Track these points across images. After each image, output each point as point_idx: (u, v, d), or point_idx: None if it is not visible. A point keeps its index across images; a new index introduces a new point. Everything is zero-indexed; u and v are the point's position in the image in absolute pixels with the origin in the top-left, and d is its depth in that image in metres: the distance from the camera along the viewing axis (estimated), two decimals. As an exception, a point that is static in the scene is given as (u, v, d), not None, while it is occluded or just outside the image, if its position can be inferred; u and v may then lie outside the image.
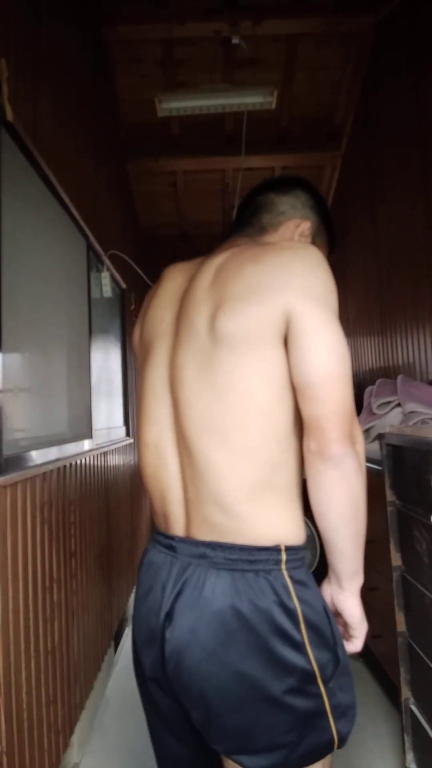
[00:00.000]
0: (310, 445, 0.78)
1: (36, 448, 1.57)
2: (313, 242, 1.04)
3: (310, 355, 0.77)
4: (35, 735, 1.44)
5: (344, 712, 0.83)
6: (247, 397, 0.80)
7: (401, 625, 1.62)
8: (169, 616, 0.82)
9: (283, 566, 0.81)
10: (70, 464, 1.89)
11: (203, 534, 0.84)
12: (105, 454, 2.49)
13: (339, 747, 0.83)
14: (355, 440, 0.77)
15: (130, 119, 3.55)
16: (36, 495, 1.52)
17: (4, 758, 1.24)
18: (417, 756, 1.56)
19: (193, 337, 0.85)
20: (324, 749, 0.82)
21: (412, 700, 1.59)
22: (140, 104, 3.37)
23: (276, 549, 0.81)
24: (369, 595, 2.22)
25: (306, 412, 0.78)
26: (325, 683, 0.80)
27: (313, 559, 2.68)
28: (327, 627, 0.82)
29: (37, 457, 1.56)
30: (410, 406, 2.22)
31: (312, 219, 1.04)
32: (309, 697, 0.79)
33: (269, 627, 0.77)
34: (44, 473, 1.60)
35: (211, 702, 0.79)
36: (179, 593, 0.82)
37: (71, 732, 1.77)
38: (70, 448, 1.91)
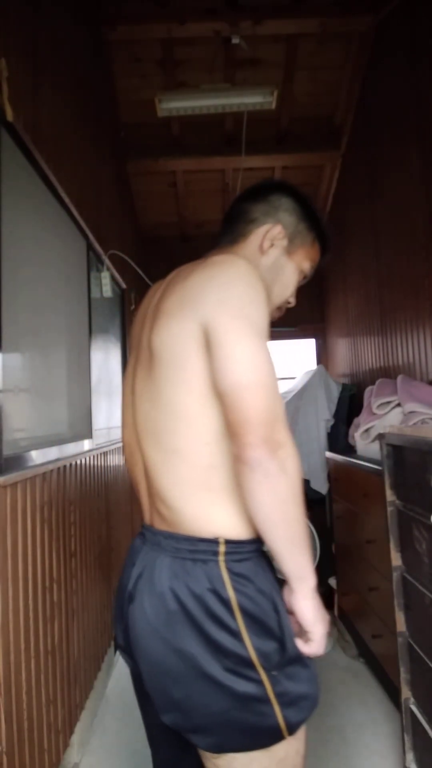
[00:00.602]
0: (232, 449, 0.83)
1: (36, 448, 1.57)
2: (290, 245, 1.05)
3: (224, 365, 0.82)
4: (35, 735, 1.44)
5: (294, 701, 0.87)
6: (173, 404, 0.88)
7: (401, 625, 1.62)
8: (131, 594, 0.92)
9: (221, 558, 0.87)
10: (70, 464, 1.89)
11: (158, 524, 0.94)
12: (105, 454, 2.49)
13: (290, 734, 0.87)
14: (277, 445, 0.80)
15: (130, 119, 3.55)
16: (36, 495, 1.52)
17: (4, 758, 1.24)
18: (417, 756, 1.56)
19: (142, 352, 0.96)
20: (270, 735, 0.86)
21: (412, 700, 1.59)
22: (140, 104, 3.37)
23: (215, 541, 0.88)
24: (369, 595, 2.22)
25: (226, 419, 0.83)
26: (267, 670, 0.85)
27: (313, 559, 2.68)
28: (272, 619, 0.87)
29: (37, 457, 1.56)
30: (410, 406, 2.22)
31: (287, 221, 1.04)
32: (248, 681, 0.84)
33: (204, 611, 0.84)
34: (44, 473, 1.60)
35: (156, 674, 0.87)
36: (140, 575, 0.92)
37: (71, 732, 1.77)
38: (70, 448, 1.91)
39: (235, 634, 0.84)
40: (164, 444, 0.89)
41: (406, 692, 1.60)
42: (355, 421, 2.87)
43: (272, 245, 1.04)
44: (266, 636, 0.86)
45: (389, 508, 1.65)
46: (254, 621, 0.85)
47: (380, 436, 1.72)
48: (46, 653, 1.55)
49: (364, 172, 3.34)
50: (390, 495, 1.66)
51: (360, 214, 3.47)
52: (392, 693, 2.05)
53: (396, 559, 1.63)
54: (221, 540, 0.87)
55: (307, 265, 1.08)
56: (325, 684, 2.28)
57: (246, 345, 0.82)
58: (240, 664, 0.84)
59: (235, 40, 2.95)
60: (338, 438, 3.23)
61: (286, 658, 0.87)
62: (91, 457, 2.23)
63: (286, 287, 1.07)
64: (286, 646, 0.87)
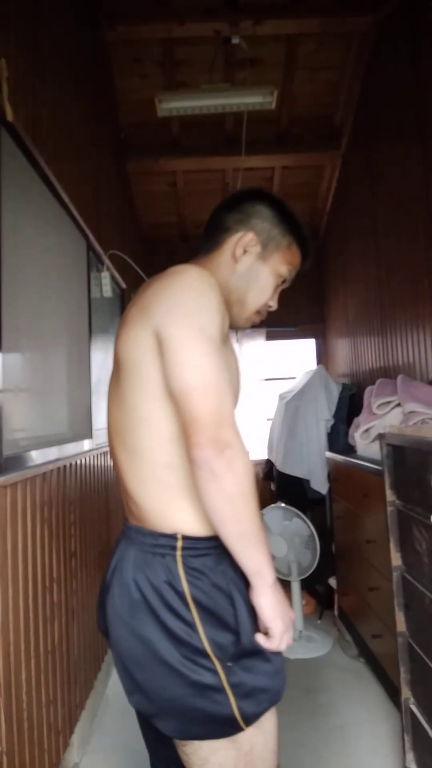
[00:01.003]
0: (185, 448, 0.88)
1: (36, 448, 1.57)
2: (264, 250, 1.06)
3: (173, 370, 0.87)
4: (35, 735, 1.44)
5: (250, 693, 0.91)
6: (134, 408, 0.95)
7: (401, 625, 1.62)
8: (107, 584, 1.01)
9: (178, 553, 0.93)
10: (70, 464, 1.89)
11: (130, 518, 1.02)
12: (105, 453, 2.49)
13: (247, 725, 0.91)
14: (224, 445, 0.84)
15: (130, 119, 3.55)
16: (36, 495, 1.52)
17: (4, 758, 1.24)
18: (417, 756, 1.56)
19: (114, 360, 1.03)
20: (227, 724, 0.90)
21: (412, 700, 1.59)
22: (140, 104, 3.38)
23: (173, 537, 0.94)
24: (369, 595, 2.22)
25: (179, 420, 0.89)
26: (222, 661, 0.90)
27: (313, 559, 2.68)
28: (227, 612, 0.92)
29: (37, 457, 1.56)
30: (410, 406, 2.22)
31: (259, 228, 1.07)
32: (203, 670, 0.89)
33: (161, 602, 0.91)
34: (44, 473, 1.60)
35: (123, 657, 0.94)
36: (114, 566, 1.00)
37: (71, 732, 1.77)
38: (70, 448, 1.91)
39: (190, 625, 0.90)
40: (128, 445, 0.96)
41: (406, 692, 1.60)
42: (355, 421, 2.87)
43: (245, 252, 1.06)
44: (221, 628, 0.91)
45: (389, 508, 1.65)
46: (209, 613, 0.91)
47: (380, 436, 1.72)
48: (46, 653, 1.55)
49: (364, 172, 3.34)
50: (390, 495, 1.66)
51: (360, 214, 3.47)
52: (392, 693, 2.05)
53: (396, 559, 1.63)
54: (179, 536, 0.93)
55: (284, 269, 1.09)
56: (325, 684, 2.28)
57: (192, 350, 0.87)
58: (195, 653, 0.89)
59: (235, 40, 2.95)
60: (338, 438, 3.23)
61: (242, 650, 0.91)
62: (91, 457, 2.23)
63: (263, 291, 1.09)
64: (241, 639, 0.91)
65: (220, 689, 0.89)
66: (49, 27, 1.93)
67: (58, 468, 1.75)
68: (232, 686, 0.90)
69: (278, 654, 0.96)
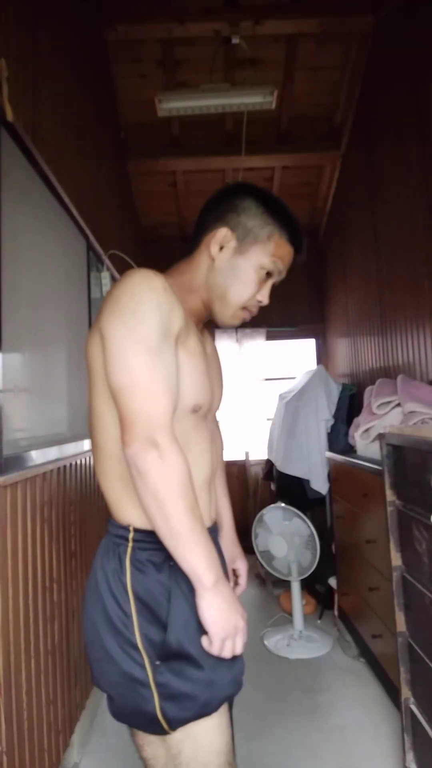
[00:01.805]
0: None
1: (36, 448, 1.57)
2: (241, 244, 1.03)
3: (107, 370, 0.92)
4: (35, 735, 1.44)
5: (175, 697, 0.91)
6: (92, 406, 1.00)
7: (401, 625, 1.62)
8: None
9: (129, 544, 0.97)
10: (70, 464, 1.89)
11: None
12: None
13: (171, 729, 0.91)
14: (149, 445, 0.87)
15: (130, 119, 3.56)
16: (36, 495, 1.52)
17: (4, 758, 1.24)
18: (417, 756, 1.56)
19: None
20: (152, 722, 0.92)
21: (412, 700, 1.59)
22: (140, 104, 3.38)
23: (126, 528, 0.98)
24: (369, 595, 2.22)
25: None
26: (151, 658, 0.91)
27: (313, 559, 2.68)
28: (162, 609, 0.93)
29: (37, 457, 1.56)
30: (410, 406, 2.22)
31: (234, 222, 1.04)
32: (134, 662, 0.92)
33: (108, 589, 0.95)
34: (44, 473, 1.60)
35: (85, 633, 1.00)
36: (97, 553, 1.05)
37: (71, 732, 1.77)
38: (70, 448, 1.91)
39: (128, 616, 0.93)
40: (93, 440, 1.02)
41: (406, 692, 1.60)
42: (355, 421, 2.87)
43: (222, 249, 1.04)
44: (154, 624, 0.93)
45: (389, 508, 1.65)
46: (145, 607, 0.93)
47: (380, 436, 1.72)
48: (46, 653, 1.55)
49: (364, 172, 3.34)
50: (390, 495, 1.66)
51: (360, 214, 3.47)
52: (392, 693, 2.05)
53: (396, 559, 1.63)
54: (131, 528, 0.97)
55: (267, 261, 1.04)
56: (325, 684, 2.28)
57: (123, 351, 0.89)
58: (128, 645, 0.92)
59: (235, 40, 2.95)
60: (338, 438, 3.22)
61: (168, 649, 0.92)
62: (91, 457, 2.22)
63: (244, 287, 1.04)
64: (167, 637, 0.92)
65: (146, 685, 0.91)
66: (49, 27, 1.93)
67: (58, 468, 1.75)
68: (158, 685, 0.91)
69: (219, 664, 0.93)
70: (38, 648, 1.50)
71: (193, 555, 0.88)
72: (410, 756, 1.59)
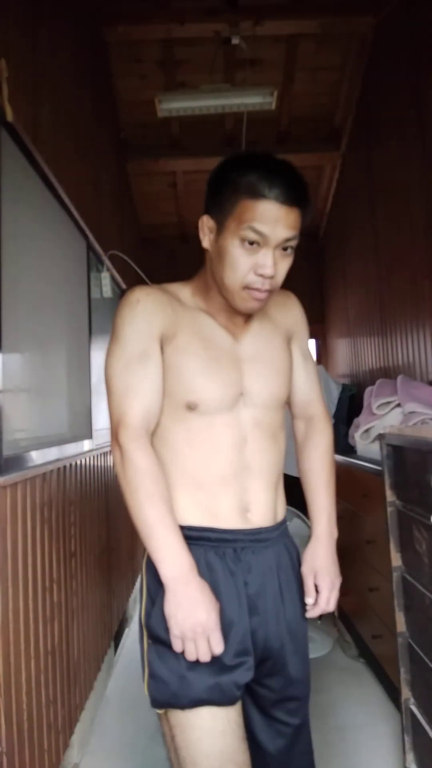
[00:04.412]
0: None
1: (36, 449, 1.57)
2: (219, 225, 0.98)
3: None
4: (35, 735, 1.44)
5: (154, 676, 0.98)
6: None
7: (401, 625, 1.61)
8: None
9: None
10: (70, 464, 1.89)
11: None
12: (105, 454, 2.49)
13: (153, 706, 0.99)
14: (117, 445, 0.97)
15: (130, 119, 3.56)
16: (36, 495, 1.52)
17: (4, 758, 1.24)
18: (417, 756, 1.56)
19: None
20: (148, 693, 1.00)
21: (412, 700, 1.59)
22: (140, 104, 3.37)
23: None
24: (369, 596, 2.22)
25: None
26: (147, 636, 1.01)
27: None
28: (158, 593, 0.99)
29: (37, 457, 1.56)
30: (410, 407, 2.22)
31: (208, 206, 1.01)
32: (140, 634, 1.04)
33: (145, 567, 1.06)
34: (44, 473, 1.60)
35: None
36: None
37: (71, 732, 1.77)
38: (70, 449, 1.91)
39: (142, 594, 1.05)
40: None
41: (406, 692, 1.60)
42: (355, 421, 2.87)
43: (207, 237, 1.01)
44: (151, 605, 1.00)
45: (389, 508, 1.65)
46: (149, 589, 1.02)
47: (380, 437, 1.72)
48: (46, 653, 1.55)
49: (364, 173, 3.34)
50: (390, 495, 1.66)
51: (360, 214, 3.47)
52: (392, 693, 2.05)
53: (396, 559, 1.63)
54: None
55: (245, 231, 0.93)
56: (325, 684, 2.28)
57: (108, 359, 1.01)
58: (139, 620, 1.04)
59: (235, 41, 2.95)
60: (338, 438, 3.22)
61: (150, 629, 1.00)
62: (91, 458, 2.23)
63: (233, 265, 0.97)
64: (150, 621, 1.00)
65: (143, 658, 1.02)
66: (49, 27, 1.93)
67: (58, 468, 1.75)
68: (147, 662, 1.00)
69: (199, 664, 0.94)
70: (38, 648, 1.50)
71: (152, 548, 0.95)
72: (410, 756, 1.59)
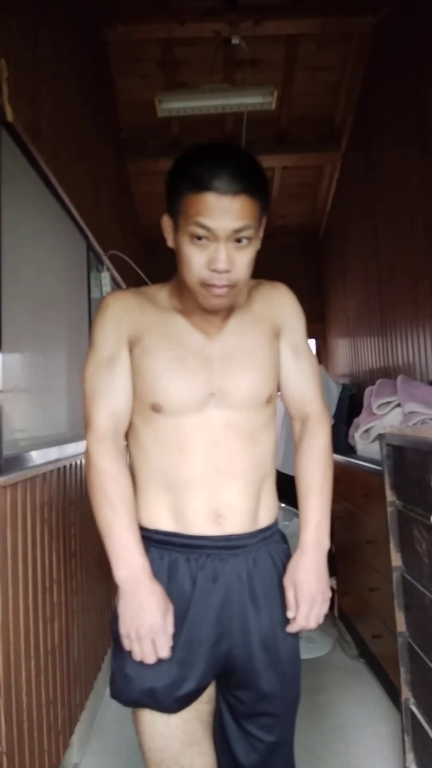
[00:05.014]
0: None
1: (36, 449, 1.57)
2: (175, 223, 0.96)
3: None
4: (35, 735, 1.44)
5: (112, 672, 1.02)
6: None
7: (401, 625, 1.61)
8: None
9: None
10: (70, 464, 1.89)
11: None
12: (105, 454, 2.48)
13: (113, 698, 1.02)
14: (85, 445, 1.00)
15: (130, 119, 3.56)
16: (36, 495, 1.52)
17: (4, 758, 1.24)
18: (417, 756, 1.56)
19: None
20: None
21: (412, 700, 1.59)
22: (140, 104, 3.37)
23: None
24: (369, 596, 2.22)
25: None
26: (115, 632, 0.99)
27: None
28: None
29: (37, 457, 1.56)
30: (410, 407, 2.22)
31: (168, 204, 0.98)
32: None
33: None
34: (44, 473, 1.60)
35: None
36: None
37: (71, 732, 1.77)
38: (70, 449, 1.91)
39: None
40: None
41: (406, 692, 1.60)
42: (355, 421, 2.87)
43: (169, 236, 1.00)
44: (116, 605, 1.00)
45: (389, 508, 1.65)
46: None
47: (380, 437, 1.72)
48: (46, 653, 1.55)
49: (364, 173, 3.34)
50: (390, 495, 1.66)
51: (360, 215, 3.47)
52: (392, 693, 2.05)
53: (396, 559, 1.63)
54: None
55: (192, 226, 0.91)
56: (325, 684, 2.28)
57: (84, 362, 1.04)
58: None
59: (235, 41, 2.95)
60: (338, 438, 3.22)
61: (112, 628, 1.00)
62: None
63: (187, 264, 0.94)
64: (112, 617, 0.99)
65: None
66: (49, 27, 1.93)
67: (58, 468, 1.75)
68: (112, 656, 1.03)
69: (144, 665, 0.95)
70: (38, 648, 1.50)
71: (106, 548, 0.96)
72: (410, 756, 1.59)
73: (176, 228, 0.96)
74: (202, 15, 2.90)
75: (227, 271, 0.92)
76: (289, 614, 1.02)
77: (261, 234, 0.98)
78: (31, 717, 1.42)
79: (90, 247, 2.36)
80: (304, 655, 2.56)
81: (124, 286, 3.19)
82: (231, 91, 2.89)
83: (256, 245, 0.96)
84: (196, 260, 0.93)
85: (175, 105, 2.88)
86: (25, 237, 1.58)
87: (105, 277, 2.56)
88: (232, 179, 0.87)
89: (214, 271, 0.92)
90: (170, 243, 1.00)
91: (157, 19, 2.90)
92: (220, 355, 1.02)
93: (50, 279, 1.84)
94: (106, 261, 2.65)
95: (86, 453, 0.99)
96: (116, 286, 3.03)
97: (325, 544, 1.06)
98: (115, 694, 1.01)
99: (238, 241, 0.92)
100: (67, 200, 1.94)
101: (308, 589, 1.01)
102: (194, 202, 0.90)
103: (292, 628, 1.02)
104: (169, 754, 0.99)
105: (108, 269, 2.66)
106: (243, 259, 0.93)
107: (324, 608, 1.04)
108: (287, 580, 1.03)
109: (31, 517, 1.48)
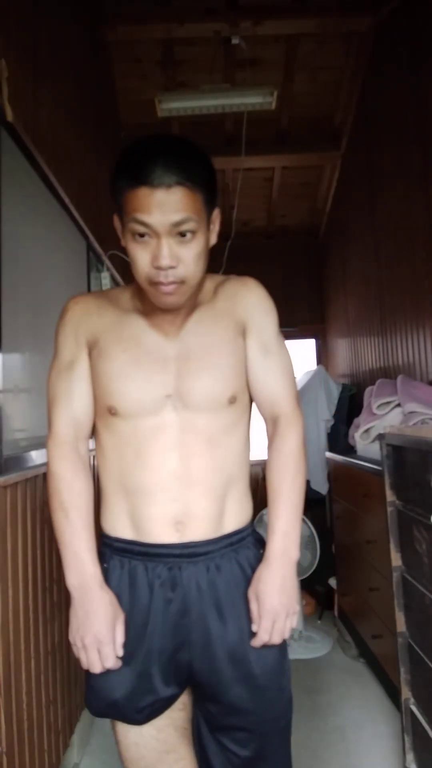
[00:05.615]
0: None
1: (36, 448, 1.57)
2: (122, 224, 0.92)
3: None
4: (35, 735, 1.44)
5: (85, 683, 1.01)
6: None
7: (401, 625, 1.61)
8: None
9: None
10: (70, 464, 1.89)
11: None
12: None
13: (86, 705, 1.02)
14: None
15: (130, 119, 3.55)
16: (36, 495, 1.52)
17: (4, 758, 1.24)
18: (417, 756, 1.56)
19: None
20: None
21: (412, 700, 1.59)
22: (140, 104, 3.37)
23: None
24: (369, 596, 2.22)
25: None
26: None
27: (313, 560, 2.68)
28: None
29: (37, 457, 1.56)
30: (410, 407, 2.22)
31: (114, 203, 0.92)
32: None
33: None
34: (44, 473, 1.59)
35: None
36: None
37: (71, 732, 1.77)
38: (70, 448, 1.90)
39: None
40: None
41: (406, 692, 1.60)
42: (355, 421, 2.87)
43: (121, 236, 0.94)
44: None
45: (389, 508, 1.65)
46: None
47: (380, 437, 1.72)
48: (46, 653, 1.55)
49: (364, 173, 3.34)
50: (390, 495, 1.66)
51: (360, 215, 3.47)
52: (392, 693, 2.05)
53: (396, 559, 1.63)
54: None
55: (131, 224, 0.87)
56: (325, 684, 2.28)
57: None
58: None
59: (235, 41, 2.94)
60: (338, 438, 3.22)
61: None
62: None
63: (135, 263, 0.90)
64: None
65: None
66: (49, 27, 1.93)
67: (58, 468, 1.74)
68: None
69: (100, 675, 0.95)
70: (38, 648, 1.50)
71: (60, 554, 0.98)
72: (410, 756, 1.59)
73: (123, 227, 0.91)
74: (202, 15, 2.90)
75: (172, 267, 0.87)
76: (254, 627, 0.96)
77: (215, 227, 0.94)
78: (31, 717, 1.42)
79: (90, 247, 2.36)
80: (304, 655, 2.57)
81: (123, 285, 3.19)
82: (231, 91, 2.89)
83: (204, 239, 0.91)
84: (141, 258, 0.89)
85: (175, 105, 2.88)
86: (25, 237, 1.58)
87: (105, 277, 2.56)
88: (165, 171, 0.83)
89: (158, 268, 0.87)
90: (124, 243, 0.93)
91: (157, 19, 2.89)
92: (178, 355, 0.98)
93: (50, 279, 1.84)
94: (106, 261, 2.65)
95: (48, 465, 1.01)
96: (116, 286, 3.04)
97: (293, 554, 0.99)
98: (87, 705, 1.00)
99: (182, 235, 0.87)
100: (67, 200, 1.94)
101: (270, 603, 0.94)
102: (131, 199, 0.86)
103: (255, 643, 0.96)
104: (145, 763, 0.97)
105: (108, 269, 2.65)
106: (189, 254, 0.88)
107: (289, 622, 0.96)
108: (251, 592, 0.97)
109: (31, 517, 1.48)
